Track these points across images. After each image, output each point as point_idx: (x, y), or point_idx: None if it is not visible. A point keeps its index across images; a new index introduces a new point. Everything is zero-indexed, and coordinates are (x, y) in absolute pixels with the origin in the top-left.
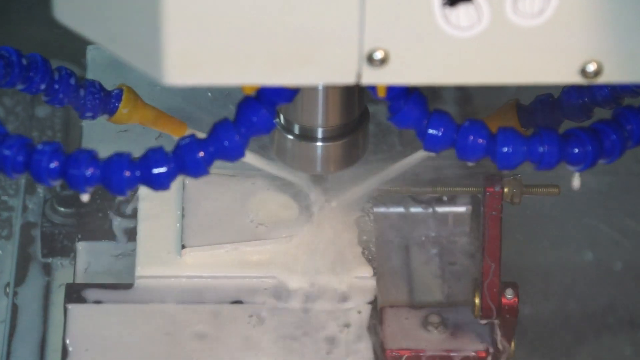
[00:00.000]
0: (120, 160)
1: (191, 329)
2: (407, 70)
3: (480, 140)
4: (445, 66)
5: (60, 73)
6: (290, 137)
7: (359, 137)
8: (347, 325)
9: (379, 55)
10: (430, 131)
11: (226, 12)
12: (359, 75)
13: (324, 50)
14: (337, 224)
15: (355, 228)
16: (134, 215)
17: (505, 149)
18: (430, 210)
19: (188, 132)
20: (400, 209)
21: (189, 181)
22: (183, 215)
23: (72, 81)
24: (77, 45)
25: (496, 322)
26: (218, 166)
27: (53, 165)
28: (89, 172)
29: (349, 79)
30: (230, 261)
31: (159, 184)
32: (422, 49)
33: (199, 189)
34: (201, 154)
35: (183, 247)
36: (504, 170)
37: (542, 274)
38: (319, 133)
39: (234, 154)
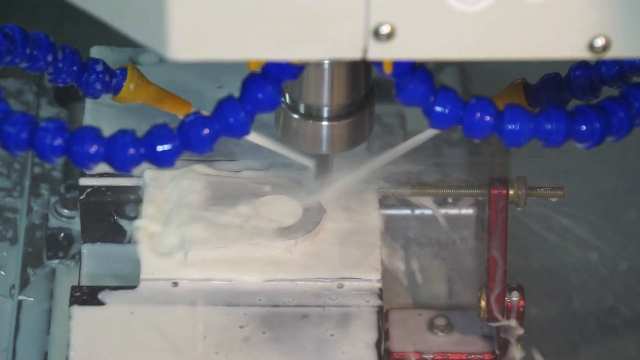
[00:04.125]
0: (124, 137)
1: (195, 332)
2: (413, 45)
3: (487, 118)
4: (452, 41)
5: (64, 51)
6: (296, 116)
7: (365, 116)
8: (350, 327)
9: (385, 29)
10: (437, 108)
11: None
12: (365, 50)
13: (330, 25)
14: (347, 222)
15: (370, 224)
16: (138, 217)
17: (512, 126)
18: (434, 212)
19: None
20: (405, 211)
21: (188, 182)
22: (188, 216)
23: (76, 59)
24: (82, 43)
25: (502, 324)
26: (222, 168)
27: (57, 142)
28: (93, 149)
29: (355, 54)
30: (236, 263)
31: (164, 161)
32: (429, 24)
33: (203, 190)
34: (206, 131)
35: (188, 249)
36: (511, 147)
37: (547, 274)
38: (325, 112)
39: (239, 131)
